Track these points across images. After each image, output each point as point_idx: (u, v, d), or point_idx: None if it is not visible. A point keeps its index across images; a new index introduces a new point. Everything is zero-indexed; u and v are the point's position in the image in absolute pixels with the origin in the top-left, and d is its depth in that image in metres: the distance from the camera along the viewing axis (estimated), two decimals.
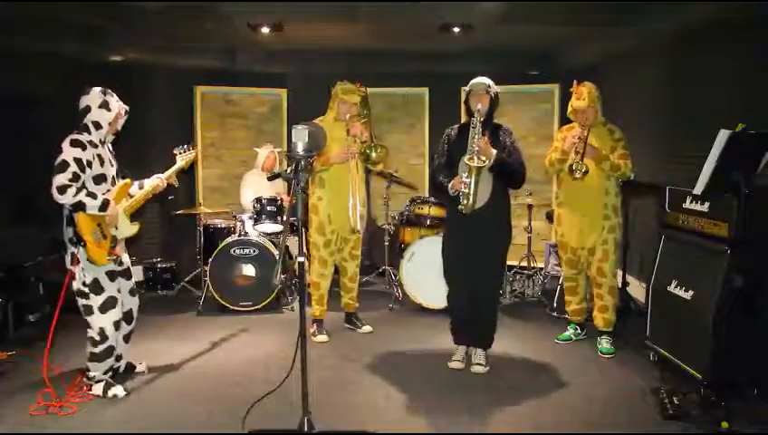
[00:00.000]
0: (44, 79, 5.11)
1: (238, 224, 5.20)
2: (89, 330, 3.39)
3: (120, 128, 3.51)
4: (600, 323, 4.10)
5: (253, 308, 4.99)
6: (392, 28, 5.12)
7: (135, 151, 3.96)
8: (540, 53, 6.02)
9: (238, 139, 6.55)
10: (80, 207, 3.22)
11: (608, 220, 3.98)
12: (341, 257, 4.44)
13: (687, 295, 3.45)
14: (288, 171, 2.85)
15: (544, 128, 6.30)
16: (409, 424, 3.11)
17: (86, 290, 3.34)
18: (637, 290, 4.92)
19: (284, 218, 4.99)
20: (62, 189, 3.15)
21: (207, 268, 4.99)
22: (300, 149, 2.77)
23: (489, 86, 3.66)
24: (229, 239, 5.04)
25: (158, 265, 5.77)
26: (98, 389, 3.39)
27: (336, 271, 4.57)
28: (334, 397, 3.42)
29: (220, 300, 4.98)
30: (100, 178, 3.36)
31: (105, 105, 3.36)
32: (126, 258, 3.62)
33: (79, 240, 3.26)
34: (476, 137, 3.51)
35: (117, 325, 3.43)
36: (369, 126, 4.29)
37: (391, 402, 3.36)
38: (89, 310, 3.36)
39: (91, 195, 3.24)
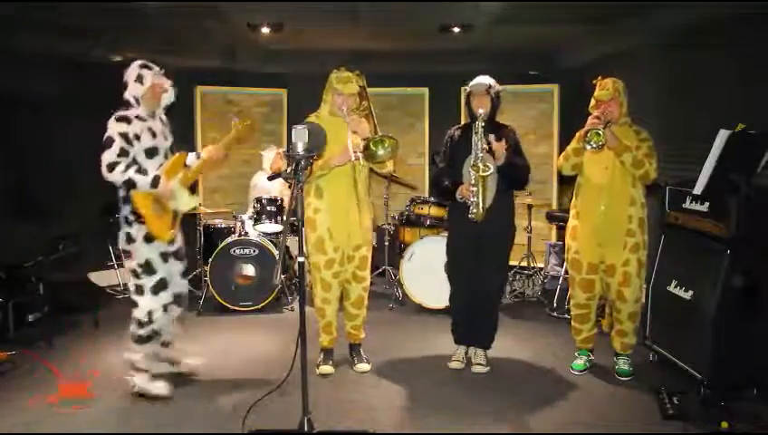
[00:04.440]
0: (44, 79, 5.11)
1: (238, 224, 5.20)
2: (134, 310, 3.30)
3: (162, 103, 3.40)
4: (617, 346, 3.72)
5: (253, 308, 4.99)
6: (392, 28, 5.12)
7: None
8: (539, 53, 6.02)
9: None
10: (130, 185, 3.14)
11: (631, 237, 3.51)
12: (345, 278, 3.78)
13: (687, 295, 3.45)
14: (288, 171, 2.85)
15: (544, 127, 6.30)
16: (409, 424, 3.11)
17: (139, 270, 3.27)
18: None
19: (284, 218, 4.99)
20: (111, 167, 3.09)
21: (207, 268, 5.00)
22: (300, 149, 2.76)
23: (490, 86, 3.60)
24: (229, 239, 5.04)
25: None
26: (141, 379, 3.31)
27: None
28: (334, 397, 3.42)
29: (220, 300, 4.98)
30: (152, 152, 3.26)
31: (139, 79, 3.28)
32: (179, 239, 3.48)
33: (137, 218, 3.19)
34: (480, 142, 3.46)
35: (166, 308, 3.35)
36: (372, 119, 3.82)
37: (391, 402, 3.36)
38: (140, 290, 3.28)
39: (142, 171, 3.17)
